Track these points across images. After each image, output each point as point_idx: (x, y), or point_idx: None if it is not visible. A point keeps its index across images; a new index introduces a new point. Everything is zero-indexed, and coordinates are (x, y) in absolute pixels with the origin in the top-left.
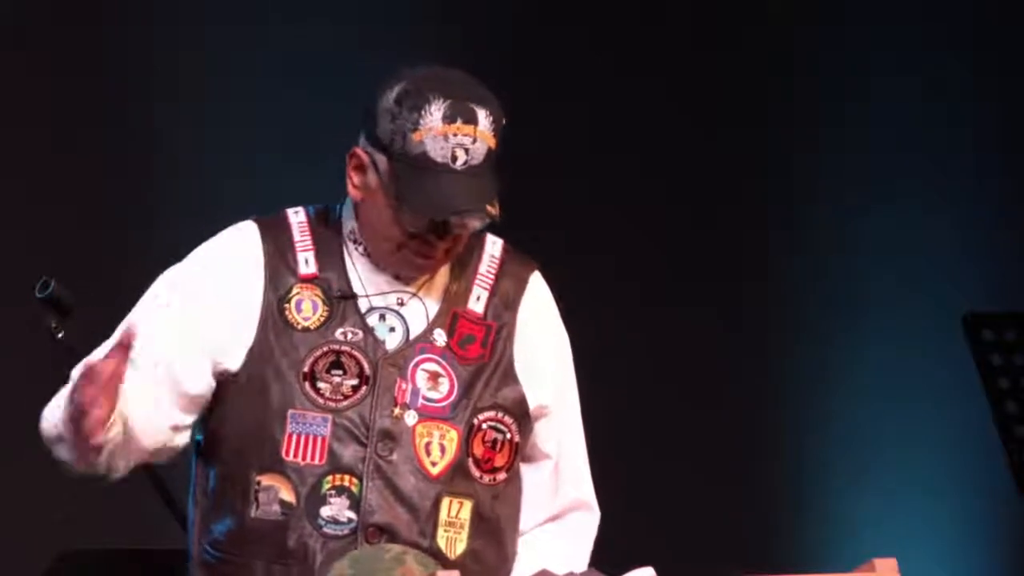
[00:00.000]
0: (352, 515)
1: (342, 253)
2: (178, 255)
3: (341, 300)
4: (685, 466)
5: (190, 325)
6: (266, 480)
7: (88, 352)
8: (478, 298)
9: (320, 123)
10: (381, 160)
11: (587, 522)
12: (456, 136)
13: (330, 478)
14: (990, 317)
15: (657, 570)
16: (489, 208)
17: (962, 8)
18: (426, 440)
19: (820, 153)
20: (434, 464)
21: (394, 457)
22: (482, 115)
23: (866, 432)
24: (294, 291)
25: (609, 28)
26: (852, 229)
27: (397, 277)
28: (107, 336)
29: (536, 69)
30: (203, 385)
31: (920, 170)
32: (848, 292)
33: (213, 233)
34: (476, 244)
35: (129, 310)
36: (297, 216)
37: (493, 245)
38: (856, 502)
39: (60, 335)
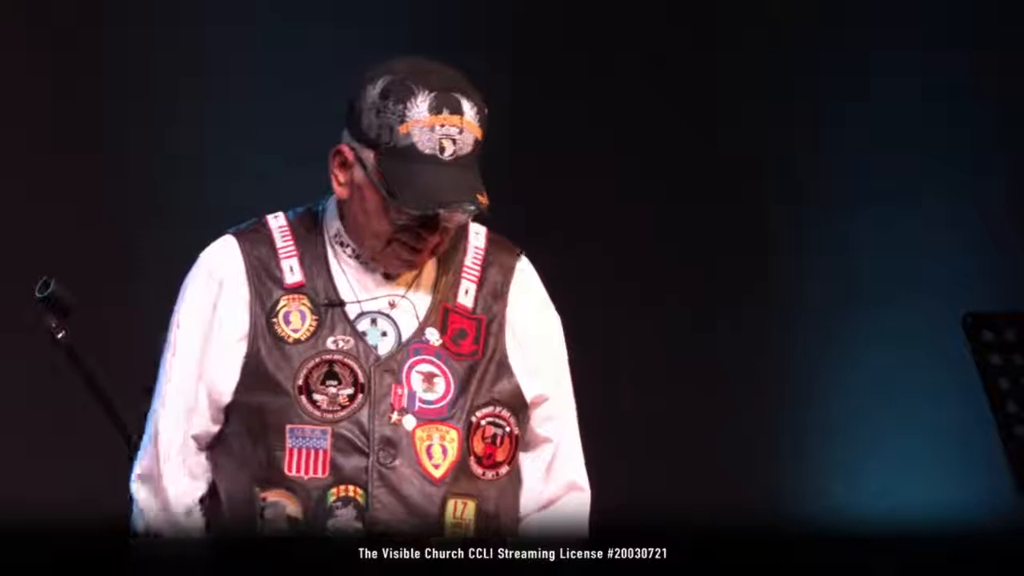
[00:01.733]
0: (359, 525)
1: (327, 258)
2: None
3: (329, 308)
4: (684, 465)
5: (196, 367)
6: (271, 496)
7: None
8: (466, 292)
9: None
10: (367, 155)
11: (581, 502)
12: (443, 127)
13: (335, 490)
14: (990, 317)
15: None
16: (480, 197)
17: (962, 8)
18: (427, 443)
19: (820, 153)
20: (436, 467)
21: (396, 463)
22: (467, 105)
23: (866, 432)
24: (281, 303)
25: (609, 28)
26: (852, 229)
27: (387, 276)
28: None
29: (536, 69)
30: (220, 419)
31: (920, 170)
32: (848, 292)
33: (212, 234)
34: (459, 237)
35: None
36: (277, 221)
37: (476, 236)
38: (855, 502)
39: (60, 335)
